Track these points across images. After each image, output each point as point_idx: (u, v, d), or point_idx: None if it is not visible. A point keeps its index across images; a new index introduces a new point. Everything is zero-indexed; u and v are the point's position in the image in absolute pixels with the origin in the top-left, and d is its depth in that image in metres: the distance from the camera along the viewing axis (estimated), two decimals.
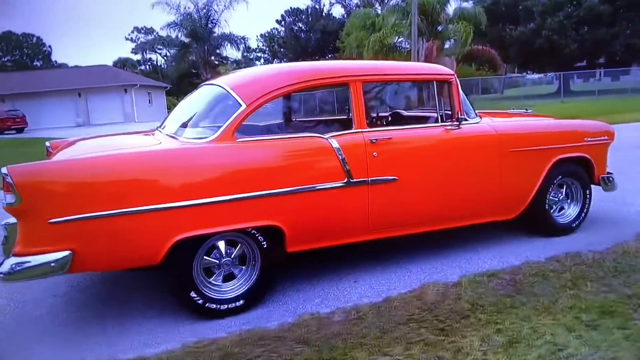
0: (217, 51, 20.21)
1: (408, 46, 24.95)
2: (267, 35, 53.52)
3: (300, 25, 46.18)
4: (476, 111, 3.87)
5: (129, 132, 4.32)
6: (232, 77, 3.35)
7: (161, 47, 19.31)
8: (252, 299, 2.99)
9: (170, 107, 43.40)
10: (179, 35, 19.01)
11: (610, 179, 4.25)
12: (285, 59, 47.88)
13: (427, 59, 22.75)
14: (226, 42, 19.64)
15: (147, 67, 19.59)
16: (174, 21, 18.43)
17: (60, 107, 34.89)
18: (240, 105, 2.97)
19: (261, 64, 60.29)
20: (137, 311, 3.06)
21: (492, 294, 3.02)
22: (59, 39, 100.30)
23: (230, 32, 19.67)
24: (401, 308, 2.90)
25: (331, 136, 3.14)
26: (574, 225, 4.12)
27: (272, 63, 56.59)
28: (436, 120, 3.55)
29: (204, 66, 20.13)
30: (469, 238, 4.08)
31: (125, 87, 34.34)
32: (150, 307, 3.09)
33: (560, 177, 3.98)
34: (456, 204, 3.57)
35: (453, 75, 3.65)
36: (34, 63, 62.82)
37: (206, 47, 19.43)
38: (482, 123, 3.71)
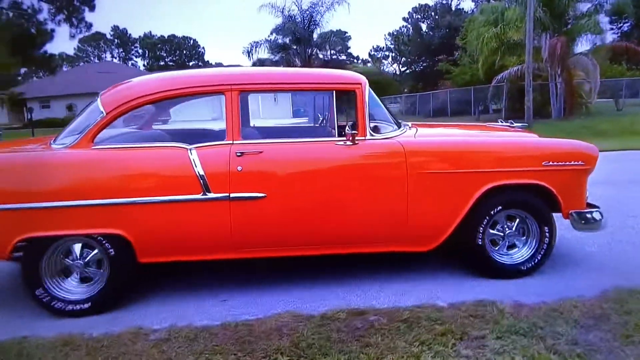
0: (318, 52, 20.62)
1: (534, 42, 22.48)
2: (394, 33, 52.88)
3: (428, 21, 44.60)
4: (425, 122, 3.38)
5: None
6: (114, 86, 3.42)
7: (270, 51, 20.33)
8: (100, 304, 3.05)
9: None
10: (281, 38, 19.81)
11: (590, 215, 3.36)
12: (409, 58, 46.82)
13: (551, 57, 20.26)
14: (326, 44, 19.90)
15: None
16: (279, 24, 19.29)
17: (200, 104, 38.92)
18: (101, 113, 3.04)
19: (388, 63, 59.96)
20: None
21: (324, 335, 2.63)
22: (211, 41, 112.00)
23: (330, 31, 19.87)
24: (223, 337, 2.69)
25: (195, 147, 3.03)
26: (523, 268, 3.35)
27: (399, 62, 55.84)
28: (330, 134, 3.19)
29: (304, 66, 20.60)
30: (398, 267, 3.59)
31: None
32: None
33: (500, 207, 3.27)
34: (341, 228, 3.17)
35: (359, 84, 3.24)
36: (190, 63, 71.23)
37: (307, 49, 19.92)
38: (392, 139, 3.22)
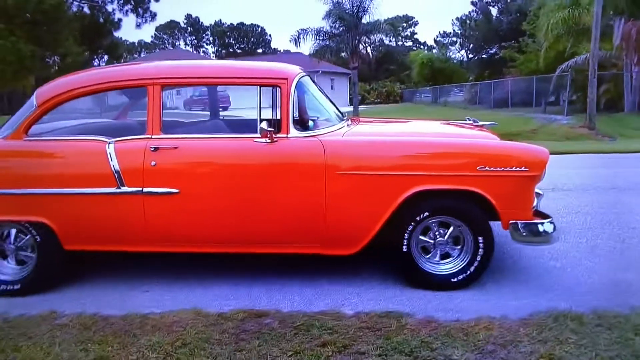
0: (365, 39, 20.14)
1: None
2: (463, 18, 50.49)
3: (498, 5, 42.03)
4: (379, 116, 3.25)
5: None
6: (53, 80, 3.54)
7: (321, 38, 20.20)
8: (29, 286, 3.23)
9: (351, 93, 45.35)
10: (331, 25, 19.58)
11: (535, 227, 3.04)
12: (475, 44, 44.57)
13: (626, 44, 18.42)
14: (375, 31, 19.37)
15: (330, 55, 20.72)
16: (327, 11, 19.09)
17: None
18: (34, 106, 3.19)
19: (455, 49, 57.51)
20: None
21: (206, 335, 2.61)
22: (278, 29, 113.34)
23: (379, 20, 19.31)
24: (116, 327, 2.75)
25: (114, 141, 3.11)
26: (454, 280, 3.10)
27: (466, 48, 53.31)
28: (253, 131, 3.12)
29: (352, 56, 20.30)
30: (332, 270, 3.45)
31: (309, 74, 37.10)
32: None
33: (427, 213, 3.05)
34: (257, 228, 3.10)
35: (285, 79, 3.13)
36: (257, 50, 72.82)
37: (355, 37, 19.53)
38: (314, 138, 3.09)
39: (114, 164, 3.05)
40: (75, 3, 21.35)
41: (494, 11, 43.27)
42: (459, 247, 3.15)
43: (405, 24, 75.47)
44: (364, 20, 18.86)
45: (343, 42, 19.71)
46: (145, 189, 3.05)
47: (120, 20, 24.05)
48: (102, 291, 3.29)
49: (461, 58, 55.38)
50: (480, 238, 3.04)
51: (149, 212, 3.08)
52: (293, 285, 3.26)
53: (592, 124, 15.55)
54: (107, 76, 3.28)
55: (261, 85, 3.15)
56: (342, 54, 21.74)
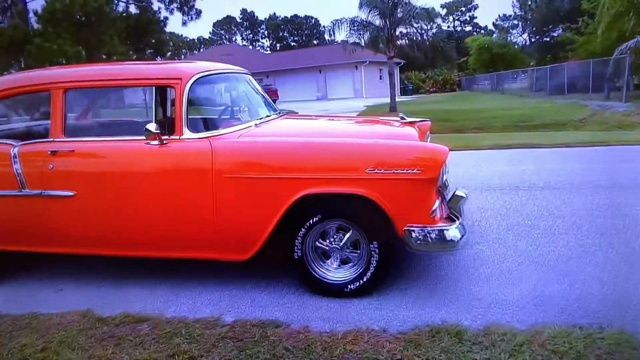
0: (401, 28, 19.44)
1: None
2: None
3: None
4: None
5: None
6: None
7: (355, 27, 19.83)
8: None
9: (401, 83, 44.24)
10: (368, 13, 19.11)
11: (434, 233, 2.78)
12: (535, 27, 41.78)
13: None
14: (411, 19, 18.61)
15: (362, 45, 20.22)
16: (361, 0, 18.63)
17: (305, 83, 40.05)
18: None
19: (517, 33, 54.32)
20: None
21: (68, 337, 2.64)
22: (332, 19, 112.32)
23: (414, 6, 18.51)
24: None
25: (21, 144, 3.20)
26: (348, 288, 2.91)
27: (528, 31, 50.09)
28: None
29: (388, 44, 19.71)
30: (256, 274, 3.35)
31: (356, 64, 36.68)
32: None
33: (319, 217, 2.87)
34: (150, 231, 3.08)
35: (179, 80, 3.06)
36: (312, 42, 73.02)
37: (390, 25, 18.93)
38: (204, 140, 2.98)
39: (17, 167, 3.14)
40: (122, 3, 22.47)
41: None
42: (357, 253, 2.95)
43: (464, 8, 72.45)
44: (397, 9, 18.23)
45: (377, 31, 19.21)
46: (44, 192, 3.12)
47: (166, 18, 24.95)
48: (16, 289, 3.41)
49: (523, 42, 52.32)
50: (373, 244, 2.83)
51: (48, 214, 3.14)
52: (201, 290, 3.19)
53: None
54: (13, 81, 3.39)
55: (156, 87, 3.11)
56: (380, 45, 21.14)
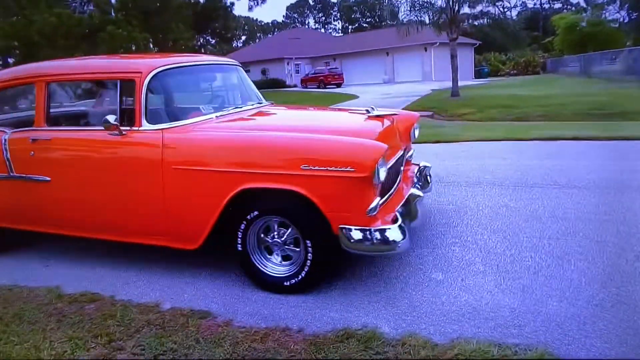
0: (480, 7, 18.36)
1: None
2: None
3: None
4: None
5: None
6: None
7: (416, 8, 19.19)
8: None
9: (477, 65, 41.94)
10: None
11: (370, 234, 2.69)
12: (635, 1, 37.52)
13: None
14: None
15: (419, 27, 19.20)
16: None
17: (372, 66, 39.42)
18: None
19: (613, 9, 49.12)
20: None
21: (26, 310, 2.92)
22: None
23: None
24: None
25: (12, 132, 3.53)
26: (286, 283, 2.91)
27: (626, 6, 45.14)
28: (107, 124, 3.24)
29: (450, 27, 18.79)
30: (217, 264, 3.45)
31: (425, 45, 35.42)
32: None
33: (256, 213, 2.88)
34: (110, 217, 3.28)
35: (139, 73, 3.18)
36: (383, 23, 71.46)
37: (452, 5, 17.99)
38: (157, 132, 3.09)
39: (6, 153, 3.48)
40: None
41: None
42: (298, 250, 2.93)
43: None
44: None
45: (437, 12, 18.40)
46: (27, 176, 3.42)
47: (232, 4, 25.73)
48: (7, 262, 3.76)
49: (621, 19, 47.34)
50: (308, 241, 2.79)
51: (31, 196, 3.45)
52: (160, 275, 3.33)
53: None
54: (2, 75, 3.72)
55: (120, 80, 3.26)
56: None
